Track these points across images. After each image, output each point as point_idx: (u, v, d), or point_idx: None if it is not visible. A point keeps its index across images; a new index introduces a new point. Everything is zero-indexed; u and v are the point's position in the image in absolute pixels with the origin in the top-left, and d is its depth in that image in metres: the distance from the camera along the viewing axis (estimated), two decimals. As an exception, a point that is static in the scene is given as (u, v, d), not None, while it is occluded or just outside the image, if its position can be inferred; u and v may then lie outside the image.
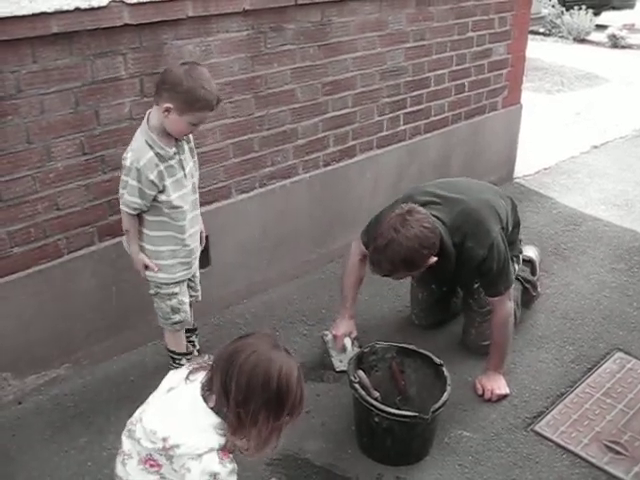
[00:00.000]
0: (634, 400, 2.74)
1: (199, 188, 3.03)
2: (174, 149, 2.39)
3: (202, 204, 3.06)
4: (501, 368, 2.78)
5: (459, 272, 2.76)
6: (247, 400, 1.61)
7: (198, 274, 2.74)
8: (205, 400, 1.70)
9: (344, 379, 2.74)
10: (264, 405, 1.62)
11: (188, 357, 2.73)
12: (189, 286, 2.69)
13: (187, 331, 2.81)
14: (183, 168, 2.46)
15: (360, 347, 2.97)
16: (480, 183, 3.05)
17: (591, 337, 3.14)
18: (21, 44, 2.33)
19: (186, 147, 2.50)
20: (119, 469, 1.84)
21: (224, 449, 1.69)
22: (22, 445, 2.49)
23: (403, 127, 3.94)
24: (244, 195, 3.25)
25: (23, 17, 2.27)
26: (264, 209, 3.35)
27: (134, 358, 2.87)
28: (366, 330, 3.14)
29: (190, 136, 2.52)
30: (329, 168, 3.61)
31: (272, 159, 3.32)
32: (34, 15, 2.29)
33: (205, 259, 3.14)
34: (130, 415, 2.62)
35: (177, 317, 2.63)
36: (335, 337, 2.91)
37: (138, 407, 2.67)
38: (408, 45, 3.75)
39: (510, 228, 2.91)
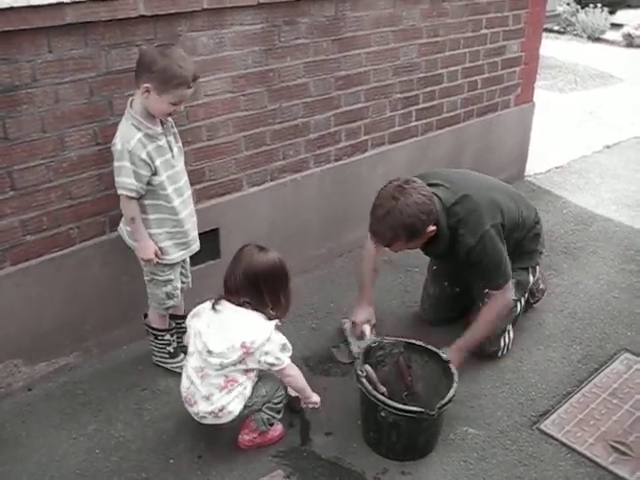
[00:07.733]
0: (641, 401, 2.74)
1: (210, 180, 3.06)
2: (160, 129, 2.46)
3: (213, 196, 3.09)
4: (465, 349, 2.77)
5: (451, 256, 2.79)
6: (275, 289, 2.38)
7: (189, 260, 2.80)
8: (245, 308, 2.32)
9: (351, 373, 2.75)
10: (282, 285, 2.41)
11: (171, 331, 2.79)
12: (181, 273, 2.76)
13: (178, 317, 2.85)
14: (171, 149, 2.52)
15: (378, 335, 3.00)
16: (494, 181, 3.03)
17: (599, 337, 3.14)
18: (37, 34, 2.35)
19: (171, 131, 2.57)
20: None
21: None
22: (32, 431, 2.52)
23: (415, 123, 3.94)
24: (255, 188, 3.26)
25: (39, 7, 2.29)
26: (275, 202, 3.36)
27: (143, 347, 2.89)
28: (374, 325, 3.15)
29: (172, 123, 2.58)
30: (340, 163, 3.61)
31: (284, 153, 3.32)
32: (50, 5, 2.31)
33: (215, 251, 3.15)
34: (138, 404, 2.65)
35: (171, 302, 2.72)
36: (354, 324, 2.98)
37: (146, 395, 2.71)
38: (422, 41, 3.75)
39: (525, 233, 2.94)
